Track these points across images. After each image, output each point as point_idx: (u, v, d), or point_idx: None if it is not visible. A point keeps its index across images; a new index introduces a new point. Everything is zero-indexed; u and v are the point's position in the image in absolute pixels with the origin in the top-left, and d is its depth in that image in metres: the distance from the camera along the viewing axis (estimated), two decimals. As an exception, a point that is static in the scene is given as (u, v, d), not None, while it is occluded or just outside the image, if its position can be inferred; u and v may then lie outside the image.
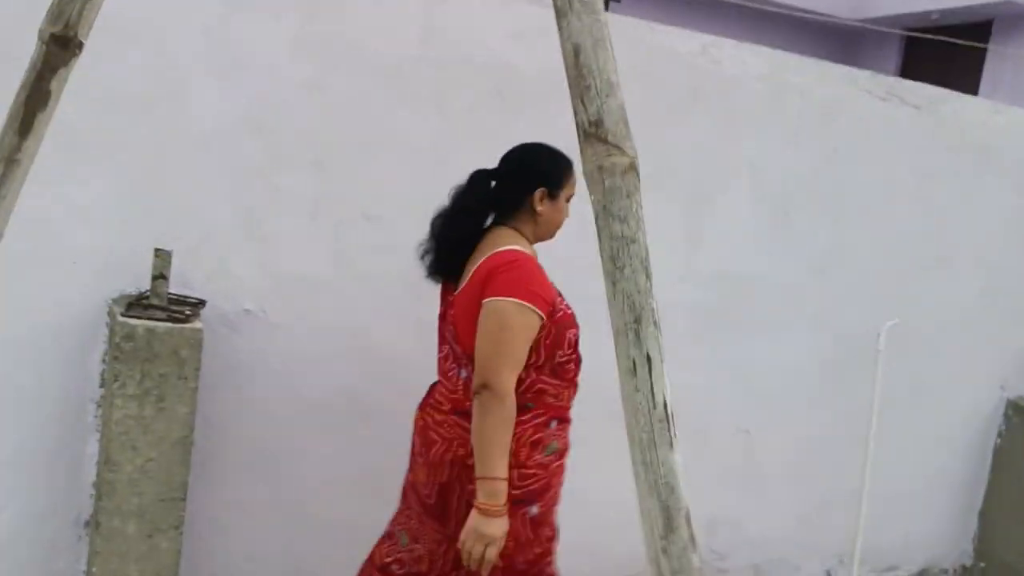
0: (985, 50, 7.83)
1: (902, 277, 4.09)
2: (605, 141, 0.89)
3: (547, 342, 2.34)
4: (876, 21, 8.79)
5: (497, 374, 2.22)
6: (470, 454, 2.28)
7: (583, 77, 0.88)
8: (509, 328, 2.25)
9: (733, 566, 4.02)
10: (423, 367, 2.65)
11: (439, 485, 2.39)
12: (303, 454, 3.08)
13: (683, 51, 3.55)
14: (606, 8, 1.03)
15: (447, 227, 2.44)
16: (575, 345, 2.43)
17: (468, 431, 2.30)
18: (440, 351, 2.53)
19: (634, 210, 0.91)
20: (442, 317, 2.53)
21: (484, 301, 2.27)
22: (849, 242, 3.95)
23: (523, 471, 2.31)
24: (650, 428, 0.92)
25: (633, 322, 0.93)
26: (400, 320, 3.11)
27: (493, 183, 2.46)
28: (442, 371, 2.50)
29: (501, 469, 2.22)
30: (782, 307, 3.86)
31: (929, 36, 7.51)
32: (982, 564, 4.59)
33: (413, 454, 2.51)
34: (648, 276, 0.94)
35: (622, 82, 0.94)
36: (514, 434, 2.26)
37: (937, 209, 4.14)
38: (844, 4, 9.46)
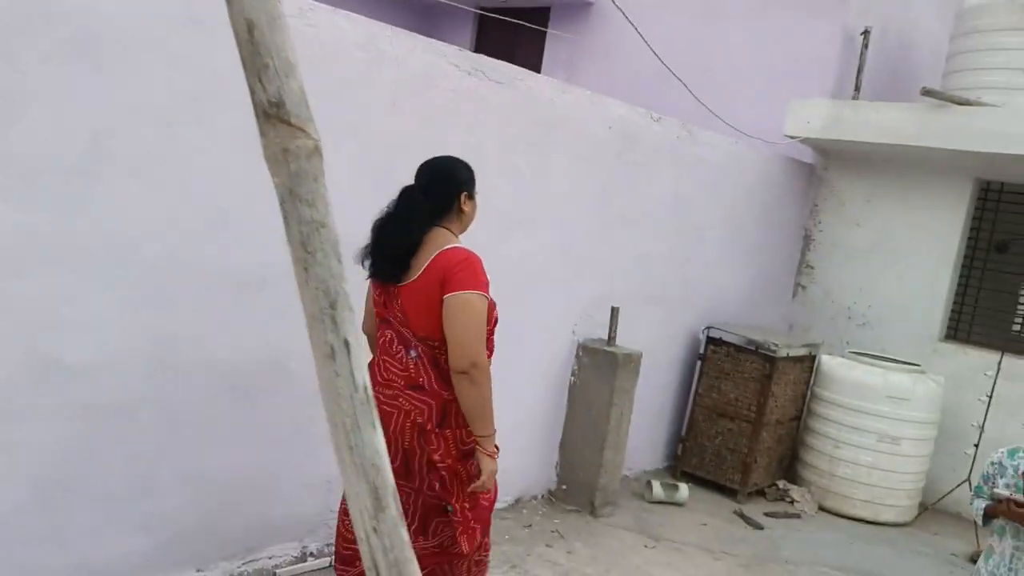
0: (545, 33, 8.74)
1: (491, 236, 4.47)
2: (288, 123, 0.88)
3: (489, 323, 2.88)
4: (452, -2, 9.38)
5: (479, 354, 2.79)
6: (428, 421, 2.83)
7: (260, 55, 0.85)
8: (478, 315, 2.79)
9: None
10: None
11: (403, 451, 2.88)
12: None
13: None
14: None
15: (395, 235, 2.86)
16: (495, 322, 2.99)
17: (422, 402, 2.84)
18: (381, 336, 2.96)
19: (322, 193, 0.91)
20: (383, 307, 2.94)
21: (450, 295, 2.76)
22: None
23: (465, 426, 2.89)
24: (353, 411, 0.92)
25: (328, 307, 0.92)
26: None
27: (422, 194, 2.90)
28: (388, 353, 2.92)
29: (493, 425, 2.91)
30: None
31: (499, 16, 8.18)
32: (564, 486, 5.26)
33: None
34: (340, 260, 0.94)
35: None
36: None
37: (519, 175, 4.58)
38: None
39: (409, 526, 2.82)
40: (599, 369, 5.09)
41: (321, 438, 3.91)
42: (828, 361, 6.19)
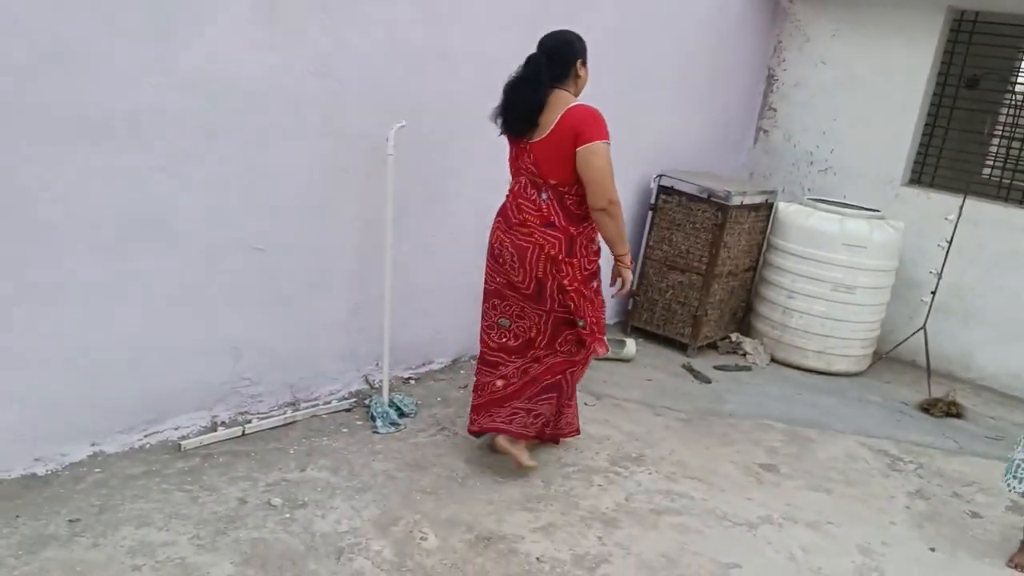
0: None
1: (403, 75, 4.04)
2: None
3: None
4: None
5: (614, 191, 3.41)
6: (559, 252, 3.47)
7: None
8: (607, 160, 3.38)
9: (267, 389, 3.91)
10: None
11: (536, 279, 3.53)
12: None
13: None
14: None
15: (525, 94, 3.38)
16: None
17: (555, 237, 3.47)
18: (516, 183, 3.57)
19: None
20: (515, 160, 3.55)
21: (583, 147, 3.33)
22: (348, 40, 3.75)
23: (591, 256, 3.62)
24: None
25: None
26: None
27: (546, 60, 3.40)
28: (523, 197, 3.52)
29: (627, 245, 3.63)
30: (284, 113, 3.60)
31: None
32: (503, 345, 5.03)
33: (502, 264, 3.60)
34: None
35: None
36: (587, 231, 3.57)
37: (433, 5, 4.09)
38: None
39: (540, 342, 3.66)
40: (535, 222, 4.76)
41: (220, 299, 3.62)
42: (784, 209, 5.88)
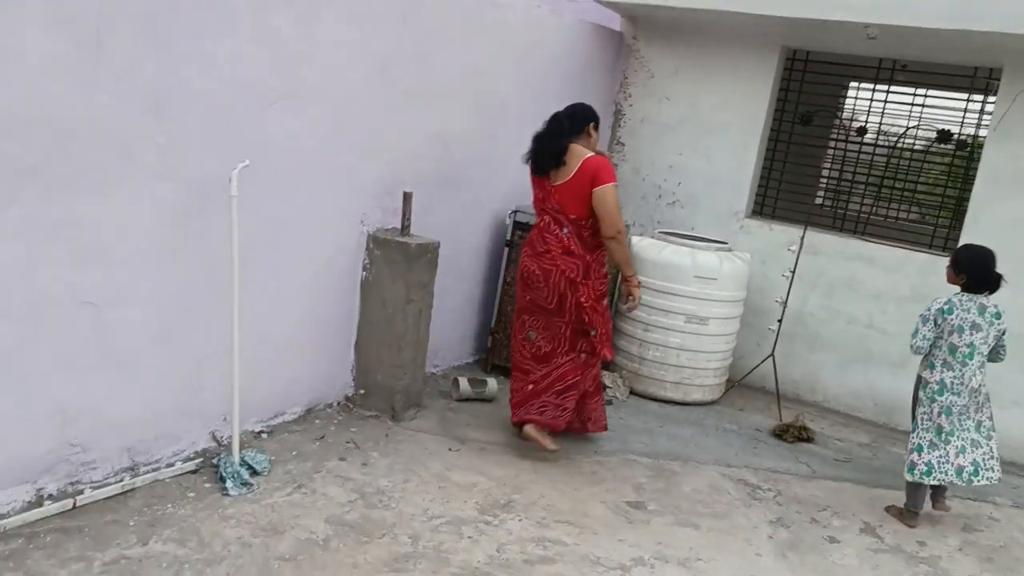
0: None
1: (247, 114, 3.81)
2: None
3: None
4: None
5: (621, 224, 4.35)
6: (577, 275, 4.37)
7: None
8: (616, 199, 4.31)
9: (101, 455, 3.54)
10: None
11: (558, 296, 4.41)
12: None
13: None
14: None
15: (550, 144, 4.38)
16: None
17: (573, 263, 4.37)
18: (540, 220, 4.52)
19: None
20: (542, 200, 4.48)
21: (599, 188, 4.27)
22: (183, 75, 3.49)
23: (601, 278, 4.54)
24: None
25: None
26: None
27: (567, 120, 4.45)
28: (547, 231, 4.44)
29: (633, 267, 4.66)
30: (112, 155, 3.29)
31: None
32: (362, 391, 4.81)
33: (530, 285, 4.50)
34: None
35: None
36: (599, 258, 4.52)
37: (279, 41, 3.89)
38: None
39: (561, 351, 4.54)
40: (392, 262, 4.60)
41: (43, 360, 3.25)
42: (638, 243, 5.97)
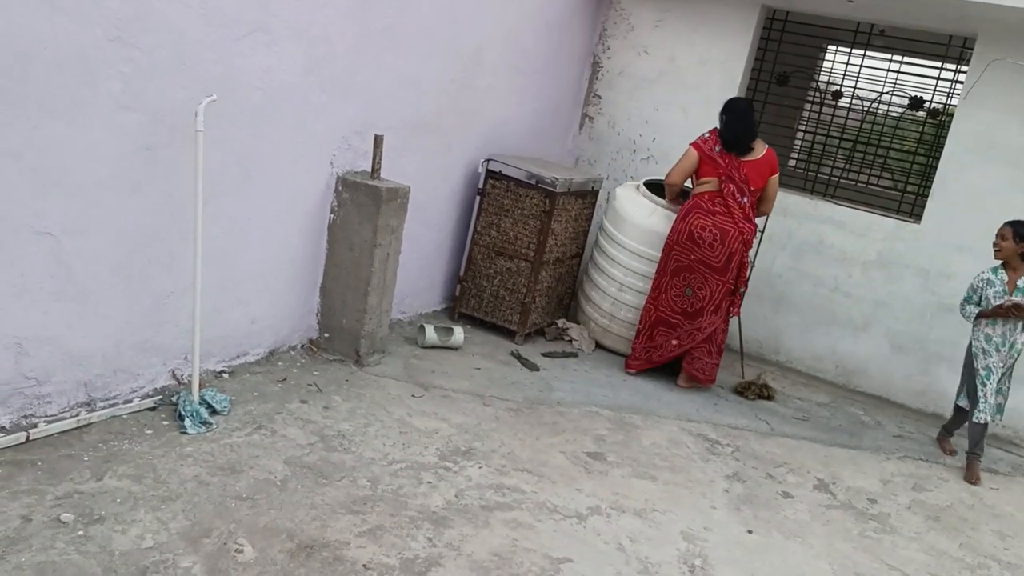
0: None
1: (217, 46, 3.70)
2: None
3: None
4: None
5: (772, 209, 5.57)
6: (751, 236, 5.26)
7: None
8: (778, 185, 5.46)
9: (56, 389, 3.49)
10: None
11: (728, 254, 5.19)
12: None
13: None
14: None
15: (747, 127, 5.27)
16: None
17: (750, 227, 5.25)
18: (725, 187, 5.24)
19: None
20: (729, 170, 5.24)
21: (774, 175, 5.33)
22: (153, 6, 3.38)
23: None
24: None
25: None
26: None
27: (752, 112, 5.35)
28: (732, 197, 5.23)
29: None
30: (75, 80, 3.19)
31: None
32: (327, 335, 4.78)
33: (699, 243, 5.22)
34: None
35: None
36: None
37: (251, -30, 3.78)
38: None
39: (709, 308, 5.29)
40: (361, 206, 4.54)
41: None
42: (622, 200, 5.81)
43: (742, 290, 5.33)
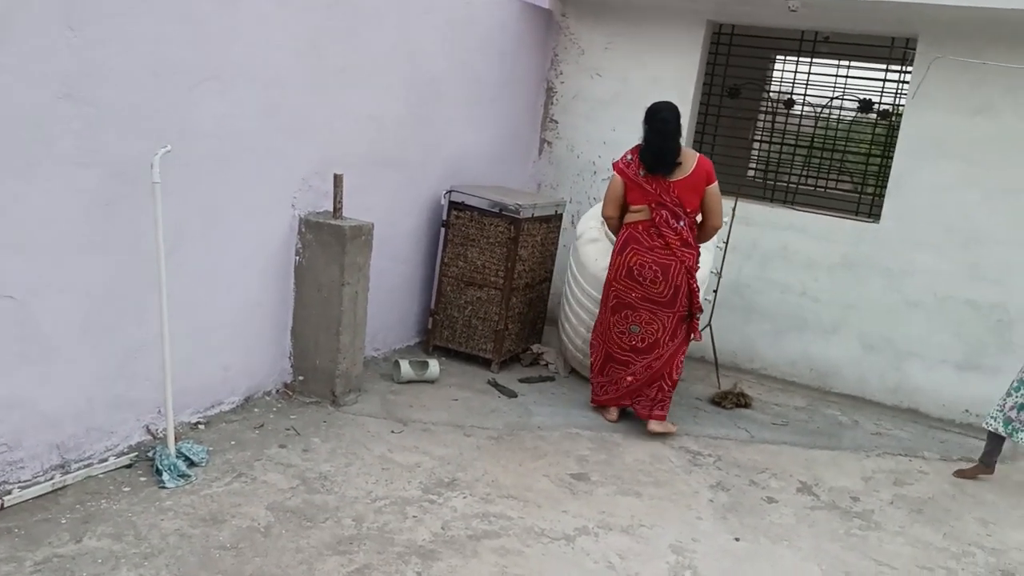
0: None
1: (169, 97, 3.71)
2: None
3: None
4: None
5: (722, 219, 4.91)
6: (694, 263, 4.80)
7: None
8: (720, 195, 4.86)
9: (29, 453, 3.43)
10: None
11: (674, 287, 4.75)
12: None
13: None
14: None
15: (672, 144, 4.71)
16: None
17: (691, 252, 4.78)
18: (656, 215, 4.75)
19: None
20: (659, 195, 4.73)
21: (711, 185, 4.78)
22: (103, 61, 3.38)
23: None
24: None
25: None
26: None
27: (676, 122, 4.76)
28: (666, 225, 4.73)
29: None
30: (27, 140, 3.18)
31: None
32: (301, 377, 4.76)
33: (640, 281, 4.79)
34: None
35: None
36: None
37: (200, 19, 3.79)
38: None
39: (665, 340, 4.85)
40: (326, 245, 4.54)
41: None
42: (590, 238, 5.77)
43: (697, 315, 4.89)
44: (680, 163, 4.71)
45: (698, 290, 4.85)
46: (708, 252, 5.35)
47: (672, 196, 4.71)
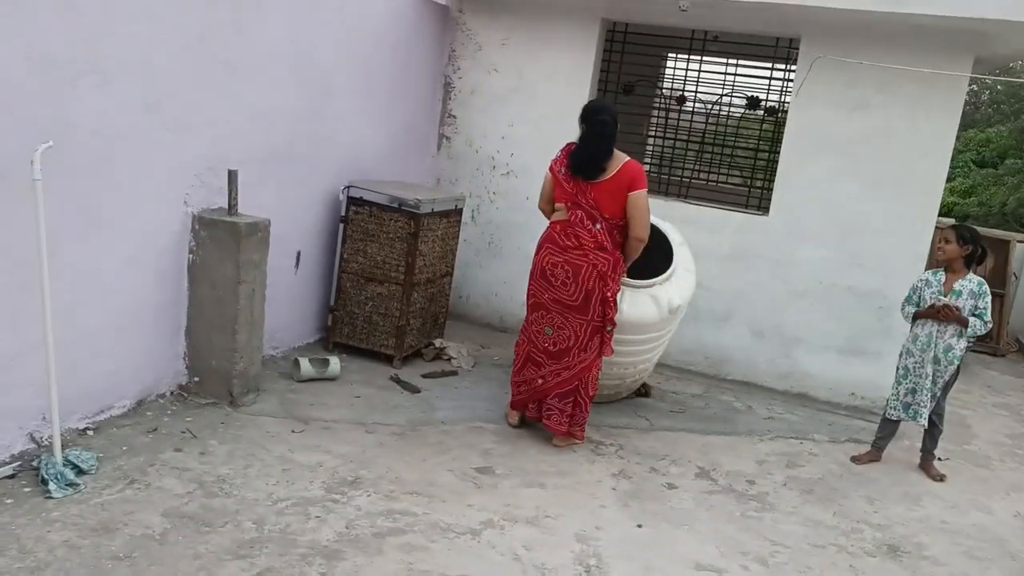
0: None
1: (47, 92, 3.53)
2: None
3: None
4: None
5: (648, 230, 4.59)
6: (609, 270, 4.51)
7: None
8: (647, 204, 4.56)
9: (-101, 467, 3.22)
10: None
11: (585, 291, 4.51)
12: None
13: None
14: None
15: (599, 148, 4.50)
16: None
17: (605, 258, 4.50)
18: (572, 215, 4.56)
19: None
20: (575, 195, 4.55)
21: (634, 193, 4.49)
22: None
23: (619, 278, 4.66)
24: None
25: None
26: None
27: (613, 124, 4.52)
28: (580, 226, 4.53)
29: None
30: None
31: None
32: (196, 378, 4.61)
33: (552, 282, 4.59)
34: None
35: None
36: (620, 256, 4.65)
37: (76, 11, 3.62)
38: None
39: (575, 349, 4.60)
40: (220, 243, 4.41)
41: None
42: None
43: (609, 328, 4.56)
44: (605, 168, 4.47)
45: (612, 300, 4.53)
46: (690, 274, 5.24)
47: (588, 199, 4.49)
